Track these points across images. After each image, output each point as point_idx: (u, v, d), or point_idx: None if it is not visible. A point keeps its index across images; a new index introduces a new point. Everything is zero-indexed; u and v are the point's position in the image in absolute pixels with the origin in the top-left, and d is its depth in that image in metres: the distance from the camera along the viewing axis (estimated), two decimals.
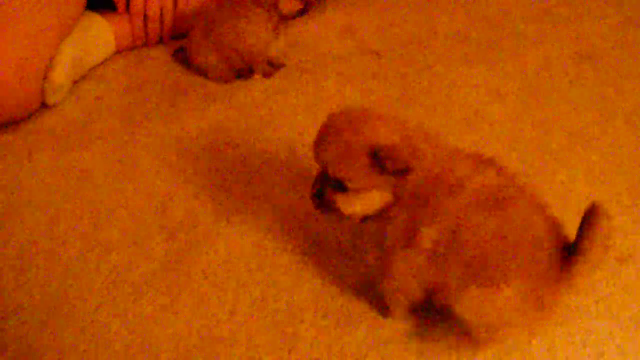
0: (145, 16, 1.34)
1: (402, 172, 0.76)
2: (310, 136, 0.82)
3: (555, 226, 0.79)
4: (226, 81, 1.30)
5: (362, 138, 0.77)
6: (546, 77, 1.32)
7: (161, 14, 1.35)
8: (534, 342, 0.88)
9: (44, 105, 1.22)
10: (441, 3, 1.53)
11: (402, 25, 1.46)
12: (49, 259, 0.97)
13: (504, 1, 1.54)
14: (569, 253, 0.76)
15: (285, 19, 1.30)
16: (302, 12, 1.31)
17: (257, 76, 1.32)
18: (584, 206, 0.75)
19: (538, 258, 0.76)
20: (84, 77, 1.30)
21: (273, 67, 1.34)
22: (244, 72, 1.32)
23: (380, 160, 0.75)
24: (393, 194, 0.78)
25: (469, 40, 1.42)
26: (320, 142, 0.80)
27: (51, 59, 1.19)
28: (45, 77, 1.18)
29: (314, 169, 0.84)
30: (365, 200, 0.80)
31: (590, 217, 0.74)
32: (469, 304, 0.79)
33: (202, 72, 1.31)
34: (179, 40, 1.36)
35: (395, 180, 0.77)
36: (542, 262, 0.76)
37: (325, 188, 0.82)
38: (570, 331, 0.89)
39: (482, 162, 0.80)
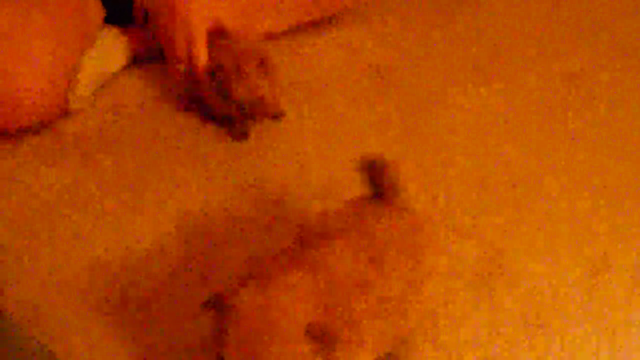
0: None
1: None
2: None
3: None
4: None
5: None
6: (539, 99, 1.41)
7: None
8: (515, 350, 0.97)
9: (66, 112, 1.30)
10: (443, 24, 1.60)
11: (403, 43, 1.54)
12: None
13: (504, 23, 1.62)
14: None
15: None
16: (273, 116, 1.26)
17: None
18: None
19: None
20: (102, 86, 1.38)
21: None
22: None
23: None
24: None
25: (469, 60, 1.50)
26: None
27: (75, 69, 1.28)
28: (69, 87, 1.27)
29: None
30: None
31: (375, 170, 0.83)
32: None
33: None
34: None
35: None
36: None
37: None
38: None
39: None
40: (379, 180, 0.86)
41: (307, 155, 1.27)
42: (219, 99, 1.23)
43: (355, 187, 1.18)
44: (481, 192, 1.21)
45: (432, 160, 1.26)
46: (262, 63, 1.19)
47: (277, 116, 1.31)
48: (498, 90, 1.43)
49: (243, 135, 1.28)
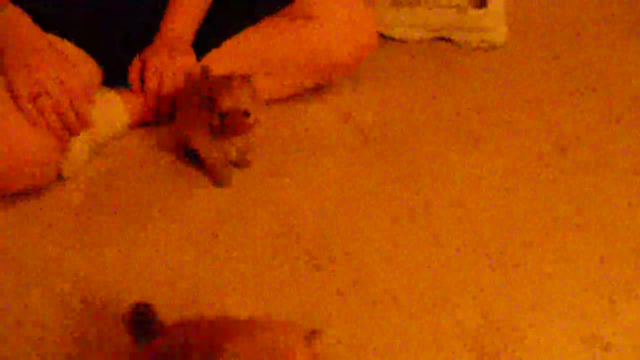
0: (159, 96, 1.42)
1: None
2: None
3: None
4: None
5: None
6: (525, 166, 1.42)
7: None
8: None
9: (59, 177, 1.30)
10: (437, 92, 1.63)
11: (395, 110, 1.56)
12: None
13: (494, 91, 1.64)
14: None
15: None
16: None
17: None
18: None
19: None
20: (97, 153, 1.39)
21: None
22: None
23: None
24: None
25: (459, 127, 1.52)
26: None
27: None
28: (63, 152, 1.27)
29: None
30: None
31: None
32: None
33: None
34: None
35: None
36: None
37: None
38: None
39: None
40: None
41: (298, 216, 1.28)
42: (205, 113, 1.23)
43: (347, 246, 1.20)
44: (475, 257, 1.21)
45: (424, 224, 1.27)
46: (250, 84, 1.23)
47: (243, 162, 1.36)
48: (490, 156, 1.44)
49: (226, 181, 1.32)
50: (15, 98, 1.20)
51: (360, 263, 1.19)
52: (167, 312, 0.93)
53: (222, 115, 1.21)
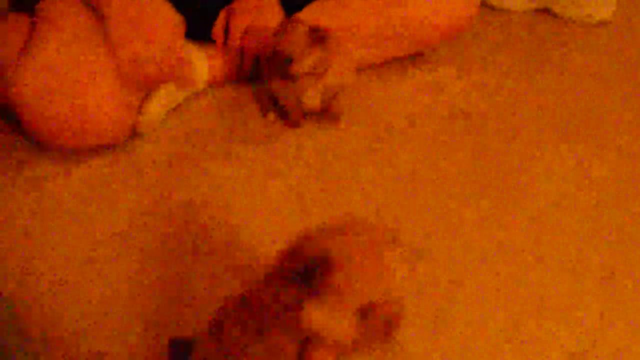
0: (242, 53, 1.36)
1: None
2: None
3: None
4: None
5: None
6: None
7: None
8: None
9: (135, 134, 1.26)
10: (536, 70, 1.51)
11: (490, 90, 1.45)
12: None
13: (595, 84, 1.51)
14: None
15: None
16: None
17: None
18: None
19: None
20: (174, 109, 1.33)
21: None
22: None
23: None
24: None
25: (558, 116, 1.40)
26: None
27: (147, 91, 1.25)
28: (140, 109, 1.24)
29: None
30: None
31: None
32: None
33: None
34: None
35: None
36: None
37: None
38: None
39: None
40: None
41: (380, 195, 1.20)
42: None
43: (432, 228, 1.12)
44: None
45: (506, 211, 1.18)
46: (312, 36, 1.22)
47: (329, 115, 1.34)
48: (586, 153, 1.31)
49: (295, 124, 1.33)
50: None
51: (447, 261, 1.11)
52: None
53: (269, 57, 1.26)
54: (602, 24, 1.65)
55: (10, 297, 0.88)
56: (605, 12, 1.66)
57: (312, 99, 1.30)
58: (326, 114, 1.34)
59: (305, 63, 1.23)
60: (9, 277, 1.02)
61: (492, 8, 1.67)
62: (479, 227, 1.15)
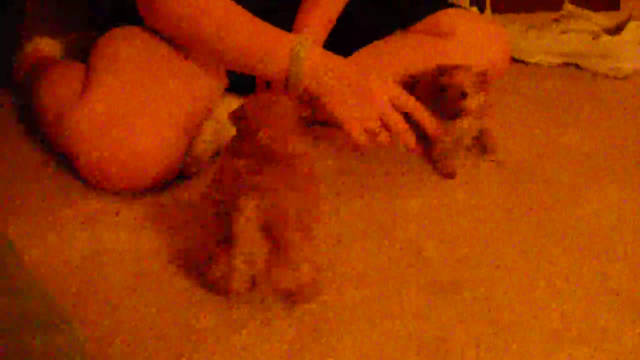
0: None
1: None
2: None
3: None
4: None
5: None
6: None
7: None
8: None
9: (183, 175, 1.29)
10: (574, 119, 1.54)
11: (527, 135, 1.48)
12: None
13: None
14: None
15: None
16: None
17: None
18: None
19: None
20: (218, 153, 1.36)
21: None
22: None
23: None
24: None
25: (597, 162, 1.43)
26: None
27: (194, 133, 1.30)
28: (188, 151, 1.28)
29: None
30: None
31: None
32: None
33: None
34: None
35: None
36: None
37: None
38: None
39: None
40: None
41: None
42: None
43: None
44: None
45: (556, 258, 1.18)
46: (485, 83, 1.28)
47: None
48: (624, 196, 1.32)
49: (449, 175, 1.32)
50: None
51: (488, 291, 1.12)
52: None
53: (441, 91, 1.26)
54: (628, 77, 1.70)
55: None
56: (631, 66, 1.71)
57: (469, 139, 1.34)
58: (482, 147, 1.37)
59: (475, 101, 1.27)
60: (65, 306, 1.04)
61: (523, 62, 1.73)
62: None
